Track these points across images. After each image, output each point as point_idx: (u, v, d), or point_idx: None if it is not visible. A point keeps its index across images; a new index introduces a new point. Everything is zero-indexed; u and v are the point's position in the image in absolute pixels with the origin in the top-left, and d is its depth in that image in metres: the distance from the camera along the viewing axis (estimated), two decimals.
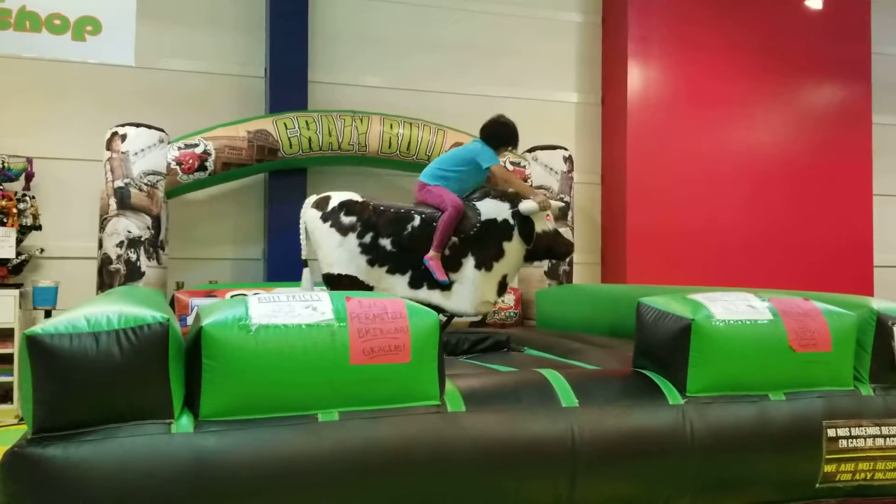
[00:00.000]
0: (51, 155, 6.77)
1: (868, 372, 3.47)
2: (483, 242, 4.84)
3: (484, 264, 4.84)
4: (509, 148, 5.19)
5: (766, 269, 8.17)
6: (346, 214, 4.74)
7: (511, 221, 4.87)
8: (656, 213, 7.96)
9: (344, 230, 4.71)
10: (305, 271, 4.92)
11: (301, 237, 4.88)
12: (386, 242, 4.73)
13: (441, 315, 4.59)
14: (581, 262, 8.13)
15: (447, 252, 4.78)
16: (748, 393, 3.26)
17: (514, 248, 4.89)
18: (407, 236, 4.74)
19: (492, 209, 4.89)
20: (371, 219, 4.74)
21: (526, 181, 7.23)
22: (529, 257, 5.03)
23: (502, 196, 4.93)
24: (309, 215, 4.82)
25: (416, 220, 4.77)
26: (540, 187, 7.24)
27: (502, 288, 5.01)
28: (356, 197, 4.83)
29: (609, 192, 8.35)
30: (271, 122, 6.71)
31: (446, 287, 4.78)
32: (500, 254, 4.87)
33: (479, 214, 4.86)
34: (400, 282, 4.77)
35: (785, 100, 8.51)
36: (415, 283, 4.77)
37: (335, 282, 4.71)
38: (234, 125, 6.68)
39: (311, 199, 4.90)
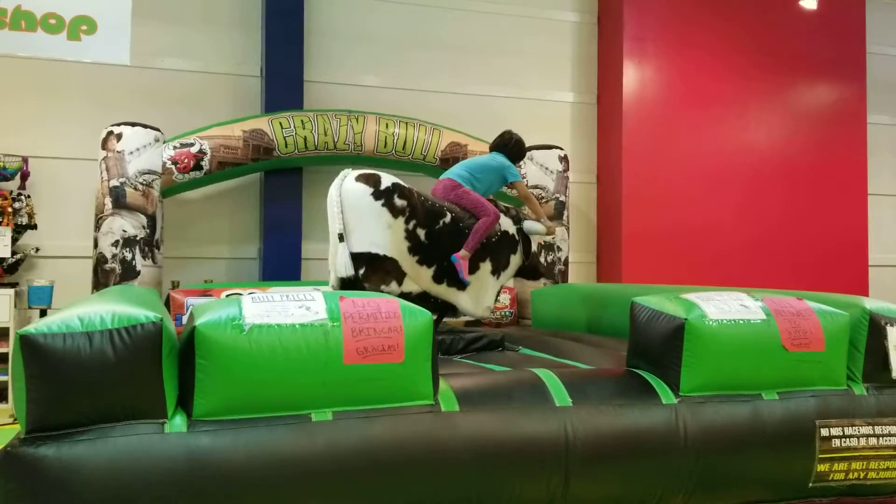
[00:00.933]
0: (46, 154, 6.77)
1: (861, 371, 3.48)
2: (499, 251, 5.10)
3: (497, 271, 5.12)
4: (518, 163, 5.49)
5: (761, 268, 8.18)
6: (399, 197, 4.60)
7: (517, 237, 5.19)
8: (651, 213, 7.98)
9: (395, 212, 4.55)
10: (342, 246, 4.54)
11: (335, 210, 4.55)
12: (421, 233, 4.69)
13: (433, 315, 4.61)
14: (576, 261, 8.14)
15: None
16: (741, 392, 3.27)
17: (515, 261, 5.23)
18: (437, 231, 4.76)
19: (505, 222, 5.15)
20: (417, 206, 4.66)
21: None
22: (519, 272, 5.39)
23: (506, 212, 5.22)
24: (355, 190, 4.53)
25: (448, 218, 4.82)
26: (535, 187, 7.25)
27: (497, 295, 5.28)
28: (401, 181, 4.72)
29: (604, 191, 8.36)
30: (267, 122, 6.71)
31: (462, 286, 4.93)
32: (507, 264, 5.19)
33: (500, 225, 5.09)
34: (426, 273, 4.79)
35: (780, 99, 8.52)
36: (438, 278, 4.84)
37: (375, 262, 4.54)
38: (230, 124, 6.68)
39: (352, 173, 4.63)
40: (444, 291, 4.87)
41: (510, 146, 5.30)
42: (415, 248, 4.67)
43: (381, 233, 4.52)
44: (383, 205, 4.53)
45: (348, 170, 4.68)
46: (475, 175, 5.08)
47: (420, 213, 4.67)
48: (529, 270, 5.42)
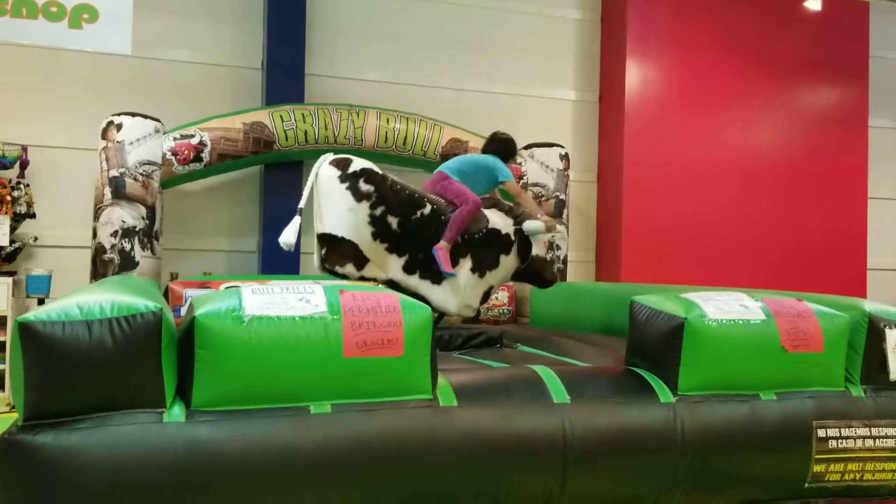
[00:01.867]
0: (46, 143, 6.76)
1: (859, 373, 3.48)
2: (485, 249, 4.91)
3: (478, 270, 4.90)
4: (512, 160, 5.37)
5: (761, 268, 8.19)
6: (366, 182, 4.64)
7: (512, 237, 4.98)
8: (651, 212, 7.98)
9: (359, 196, 4.60)
10: (296, 219, 4.65)
11: (305, 188, 4.69)
12: (393, 221, 4.67)
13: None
14: (575, 259, 8.14)
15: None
16: (739, 392, 3.27)
17: (508, 262, 5.00)
18: (414, 221, 4.71)
19: (498, 220, 4.99)
20: (387, 193, 4.66)
21: (522, 178, 7.24)
22: (517, 276, 5.15)
23: (509, 211, 5.07)
24: (325, 173, 4.64)
25: (427, 209, 4.75)
26: (535, 185, 7.25)
27: (486, 297, 5.08)
28: (376, 168, 4.76)
29: (605, 190, 8.36)
30: (267, 115, 6.70)
31: (437, 280, 4.77)
32: (495, 264, 4.96)
33: (487, 221, 4.94)
34: (396, 263, 4.73)
35: (782, 101, 8.52)
36: (409, 268, 4.75)
37: (334, 244, 4.60)
38: (230, 117, 6.67)
39: (329, 156, 4.73)
40: (414, 283, 4.73)
41: (496, 145, 5.26)
42: (383, 235, 4.65)
43: (341, 216, 4.58)
44: (347, 188, 4.58)
45: (328, 154, 4.75)
46: (466, 171, 5.03)
47: (393, 201, 4.66)
48: (531, 276, 5.17)
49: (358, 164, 4.70)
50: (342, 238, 4.59)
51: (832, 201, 8.62)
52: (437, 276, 4.76)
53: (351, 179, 4.61)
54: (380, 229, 4.64)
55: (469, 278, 4.87)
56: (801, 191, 8.51)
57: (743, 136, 8.38)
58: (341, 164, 4.66)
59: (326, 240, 4.61)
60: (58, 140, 6.83)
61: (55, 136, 6.83)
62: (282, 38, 7.23)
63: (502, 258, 4.97)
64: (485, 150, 5.31)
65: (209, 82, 7.29)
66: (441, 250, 4.69)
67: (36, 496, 2.35)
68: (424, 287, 4.75)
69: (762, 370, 3.29)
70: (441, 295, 4.80)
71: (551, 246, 7.13)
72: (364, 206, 4.60)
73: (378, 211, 4.62)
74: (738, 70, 8.37)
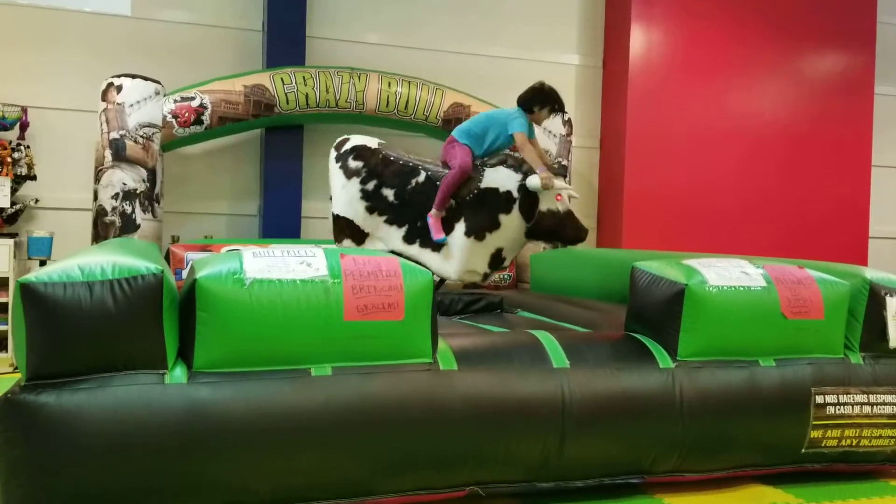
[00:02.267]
0: (46, 104, 6.72)
1: (859, 340, 3.50)
2: (478, 210, 4.69)
3: (475, 232, 4.69)
4: (548, 111, 4.89)
5: (763, 236, 8.19)
6: (355, 159, 4.81)
7: (515, 194, 4.66)
8: (654, 179, 7.95)
9: (349, 173, 4.79)
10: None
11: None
12: (389, 193, 4.74)
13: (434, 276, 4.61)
14: None
15: (444, 213, 4.71)
16: (739, 358, 3.29)
17: (511, 221, 4.69)
18: (410, 190, 4.72)
19: (498, 178, 4.71)
20: (377, 167, 4.76)
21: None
22: (531, 235, 4.76)
23: (518, 167, 4.70)
24: (330, 154, 4.95)
25: (422, 176, 4.74)
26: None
27: (496, 261, 4.82)
28: (371, 143, 4.88)
29: (607, 156, 8.33)
30: (268, 77, 6.65)
31: (437, 247, 4.73)
32: (494, 225, 4.69)
33: (481, 182, 4.72)
34: (395, 234, 4.78)
35: (787, 67, 8.45)
36: (409, 238, 4.76)
37: (335, 221, 4.86)
38: (231, 79, 6.62)
39: (341, 137, 5.05)
40: (415, 252, 4.71)
41: (526, 96, 4.86)
42: (380, 208, 4.76)
43: (337, 193, 4.84)
44: (340, 167, 4.83)
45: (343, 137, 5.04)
46: (474, 130, 4.84)
47: (385, 173, 4.75)
48: (547, 234, 4.74)
49: (353, 141, 4.90)
50: (338, 216, 4.84)
51: (836, 169, 8.59)
52: (435, 244, 4.74)
53: (342, 159, 4.84)
54: (375, 203, 4.75)
55: (465, 242, 4.70)
56: (804, 158, 8.47)
57: (747, 103, 8.32)
58: (339, 145, 4.92)
59: (333, 218, 4.89)
60: (58, 101, 6.79)
61: (55, 97, 6.79)
62: (283, 0, 7.16)
63: (503, 218, 4.68)
64: (518, 101, 4.94)
65: (209, 44, 7.23)
66: (431, 217, 4.67)
67: (38, 455, 2.37)
68: (425, 256, 4.73)
69: (762, 337, 3.31)
70: (439, 262, 4.75)
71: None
72: (354, 183, 4.77)
73: (370, 185, 4.75)
74: (744, 36, 8.29)
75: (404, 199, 4.72)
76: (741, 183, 8.24)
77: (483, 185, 4.72)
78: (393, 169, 4.76)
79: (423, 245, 4.75)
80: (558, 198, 4.64)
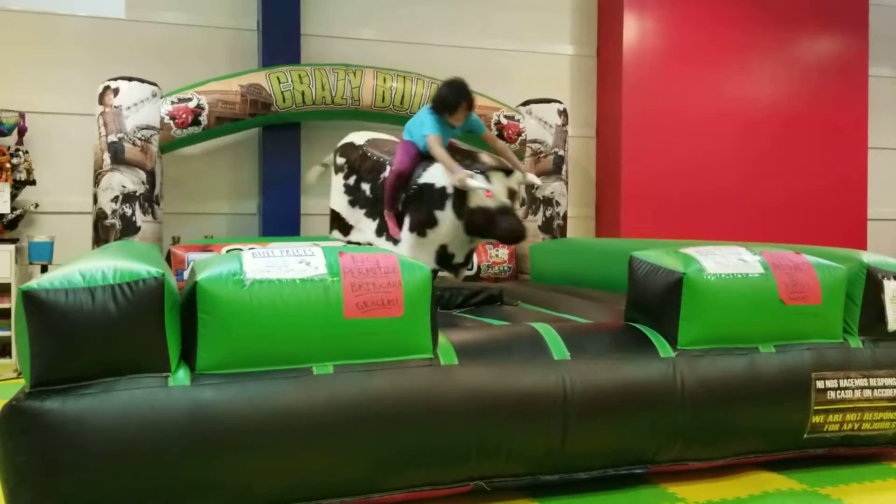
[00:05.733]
0: (43, 109, 6.72)
1: (857, 324, 3.52)
2: (417, 206, 4.63)
3: (416, 228, 4.62)
4: (455, 111, 4.66)
5: (762, 221, 8.18)
6: (340, 156, 5.23)
7: (449, 190, 4.51)
8: (651, 167, 7.95)
9: (336, 170, 5.23)
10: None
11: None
12: (366, 188, 5.01)
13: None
14: (575, 215, 8.14)
15: (395, 212, 4.80)
16: (738, 346, 3.30)
17: (447, 218, 4.54)
18: (379, 185, 4.92)
19: (435, 174, 4.60)
20: (356, 163, 5.09)
21: (520, 135, 7.21)
22: (470, 232, 4.56)
23: (477, 164, 4.50)
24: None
25: (386, 171, 4.88)
26: (534, 141, 7.22)
27: (443, 258, 4.70)
28: (359, 140, 5.20)
29: (604, 145, 8.32)
30: (264, 76, 6.65)
31: (396, 243, 4.75)
32: (432, 221, 4.58)
33: (420, 177, 4.64)
34: (370, 227, 4.99)
35: (782, 51, 8.44)
36: (379, 231, 4.94)
37: (331, 214, 5.29)
38: (227, 79, 6.62)
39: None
40: (382, 244, 4.82)
41: (438, 98, 4.70)
42: (360, 201, 5.04)
43: (331, 188, 5.27)
44: (333, 164, 5.30)
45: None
46: (410, 127, 4.82)
47: (362, 168, 5.05)
48: (481, 230, 4.49)
49: (345, 139, 5.30)
50: (331, 208, 5.27)
51: (832, 151, 8.58)
52: (390, 237, 4.87)
53: (335, 155, 5.28)
54: (356, 196, 5.07)
55: (409, 237, 4.65)
56: (801, 142, 8.46)
57: (743, 88, 8.31)
58: (338, 145, 5.33)
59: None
60: (55, 106, 6.78)
61: (52, 102, 6.78)
62: None
63: (438, 214, 4.55)
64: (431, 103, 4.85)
65: (205, 45, 7.22)
66: (386, 216, 4.83)
67: (44, 461, 2.39)
68: (389, 248, 4.69)
69: (761, 323, 3.32)
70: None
71: (549, 202, 7.12)
72: (339, 178, 5.16)
73: (351, 180, 5.08)
74: (737, 20, 8.27)
75: (377, 194, 4.93)
76: (739, 168, 8.24)
77: (421, 180, 4.63)
78: (367, 165, 5.03)
79: (388, 238, 4.87)
80: (488, 194, 4.37)
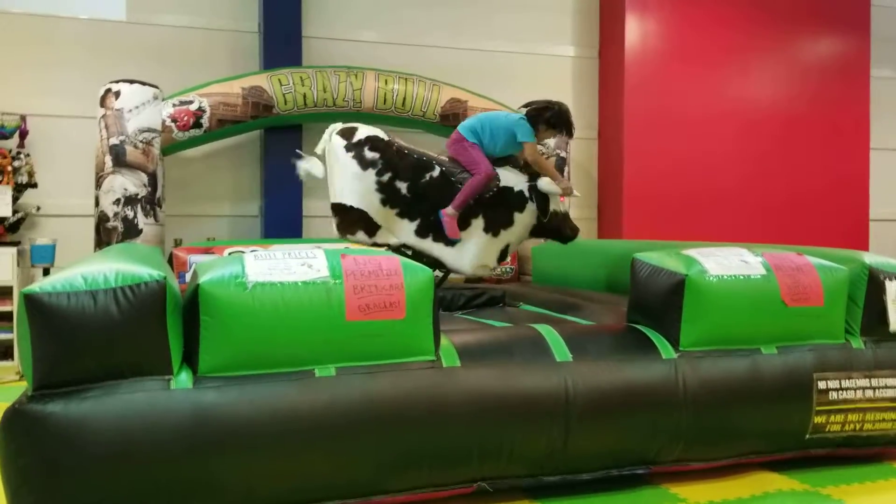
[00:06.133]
0: (45, 112, 6.73)
1: (859, 325, 3.52)
2: (496, 208, 4.85)
3: (492, 229, 4.85)
4: (555, 132, 5.04)
5: (763, 222, 8.18)
6: (371, 150, 4.69)
7: (526, 194, 4.88)
8: (653, 168, 7.95)
9: (365, 164, 4.66)
10: (301, 162, 4.89)
11: (317, 149, 4.86)
12: (402, 186, 4.70)
13: (437, 271, 4.64)
14: (577, 217, 8.10)
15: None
16: (740, 347, 3.30)
17: (524, 219, 4.90)
18: (423, 184, 4.72)
19: (510, 179, 4.88)
20: (393, 159, 4.71)
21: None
22: (537, 232, 5.02)
23: (521, 169, 4.96)
24: (334, 144, 4.76)
25: (436, 171, 4.75)
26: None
27: (503, 255, 5.00)
28: (382, 134, 4.82)
29: (606, 147, 8.32)
30: (266, 79, 6.66)
31: (451, 242, 4.78)
32: (509, 222, 4.88)
33: (499, 181, 4.85)
34: (408, 227, 4.77)
35: (783, 52, 8.44)
36: (421, 232, 4.76)
37: (344, 212, 4.71)
38: (229, 81, 6.63)
39: (338, 125, 4.84)
40: (428, 246, 4.77)
41: (534, 109, 4.99)
42: (392, 200, 4.71)
43: (348, 183, 4.68)
44: (353, 157, 4.67)
45: (336, 124, 4.85)
46: (483, 128, 4.89)
47: (400, 166, 4.71)
48: (551, 231, 5.02)
49: (364, 131, 4.76)
50: (350, 206, 4.68)
51: (834, 152, 8.57)
52: (446, 239, 4.77)
53: (356, 148, 4.69)
54: (388, 195, 4.69)
55: (482, 238, 4.84)
56: (803, 143, 8.46)
57: (744, 89, 8.31)
58: (347, 134, 4.74)
59: (338, 209, 4.71)
60: (57, 109, 6.80)
61: (54, 104, 6.79)
62: (278, 1, 7.15)
63: (517, 216, 4.89)
64: (528, 112, 5.05)
65: (206, 47, 7.23)
66: (447, 216, 4.68)
67: (46, 464, 2.39)
68: (438, 249, 4.78)
69: (763, 324, 3.32)
70: (454, 256, 4.83)
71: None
72: (370, 174, 4.65)
73: (385, 177, 4.67)
74: (739, 22, 8.27)
75: (417, 193, 4.72)
76: (740, 169, 8.24)
77: (501, 183, 4.84)
78: (407, 162, 4.73)
79: (436, 239, 4.78)
80: (562, 199, 4.99)
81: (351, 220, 4.71)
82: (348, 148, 4.69)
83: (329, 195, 4.77)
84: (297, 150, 4.89)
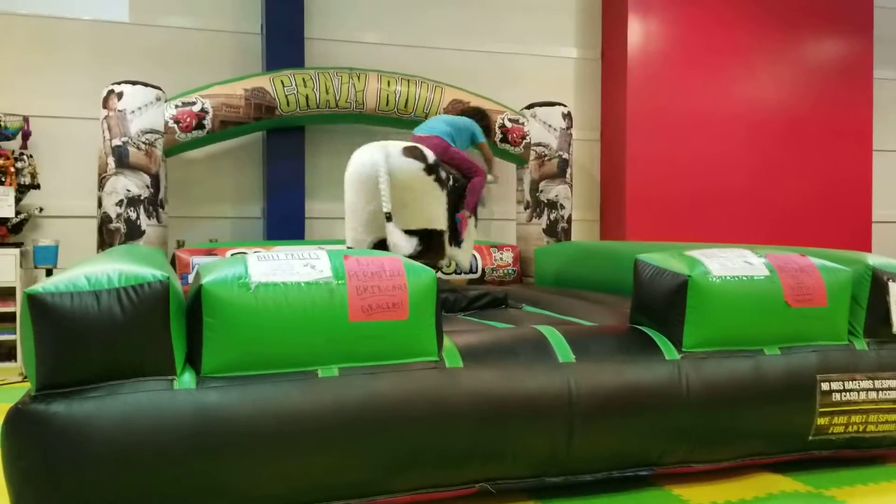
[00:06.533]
0: (47, 113, 6.74)
1: (863, 326, 3.51)
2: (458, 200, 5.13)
3: (476, 221, 5.32)
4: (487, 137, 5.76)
5: (766, 223, 8.18)
6: (442, 169, 4.56)
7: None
8: (655, 169, 7.95)
9: (442, 185, 4.51)
10: (390, 226, 4.26)
11: (382, 187, 4.25)
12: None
13: (439, 273, 4.66)
14: (580, 219, 8.14)
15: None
16: (744, 348, 3.30)
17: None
18: (450, 192, 4.83)
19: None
20: (447, 176, 4.73)
21: (524, 138, 7.24)
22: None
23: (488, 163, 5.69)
24: (407, 166, 4.34)
25: (451, 180, 4.89)
26: (538, 144, 7.23)
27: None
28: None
29: (608, 148, 8.32)
30: (268, 80, 6.66)
31: (458, 244, 4.99)
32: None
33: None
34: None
35: (786, 54, 8.44)
36: (450, 240, 4.83)
37: (436, 238, 4.50)
38: (231, 83, 6.63)
39: (394, 148, 4.40)
40: (452, 253, 4.91)
41: (476, 114, 5.78)
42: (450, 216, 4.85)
43: (438, 208, 4.48)
44: (435, 179, 4.45)
45: (384, 143, 4.49)
46: (453, 132, 5.17)
47: (448, 180, 4.82)
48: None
49: (428, 151, 4.55)
50: (440, 231, 4.52)
51: (837, 154, 8.57)
52: (457, 240, 4.96)
53: (435, 171, 4.46)
54: (451, 211, 4.82)
55: (473, 233, 5.26)
56: (806, 144, 8.46)
57: (747, 91, 8.31)
58: (419, 156, 4.43)
59: (429, 235, 4.46)
60: (59, 110, 6.81)
61: (56, 105, 6.80)
62: (281, 2, 7.16)
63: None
64: (472, 116, 5.69)
65: (209, 48, 7.24)
66: (465, 219, 4.93)
67: (49, 464, 2.39)
68: (452, 251, 4.93)
69: (766, 325, 3.32)
70: (462, 256, 5.09)
71: (553, 205, 7.21)
72: (444, 194, 4.56)
73: (450, 195, 4.75)
74: (741, 23, 8.27)
75: (451, 203, 4.87)
76: (743, 170, 8.24)
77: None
78: (448, 174, 4.84)
79: (451, 244, 4.90)
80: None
81: (439, 243, 4.55)
82: (428, 171, 4.42)
83: (402, 220, 4.37)
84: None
